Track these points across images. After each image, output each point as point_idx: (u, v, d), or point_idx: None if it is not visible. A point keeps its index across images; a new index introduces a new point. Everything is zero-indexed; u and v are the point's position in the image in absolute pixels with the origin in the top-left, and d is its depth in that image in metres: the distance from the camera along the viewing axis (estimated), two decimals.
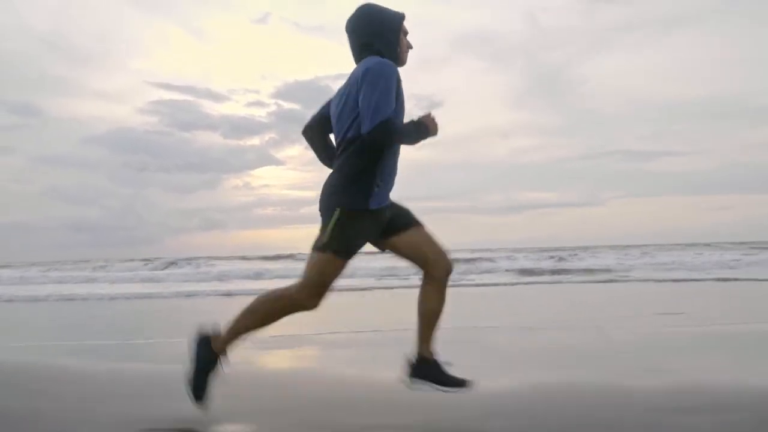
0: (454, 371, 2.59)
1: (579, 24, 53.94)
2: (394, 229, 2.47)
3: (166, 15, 55.56)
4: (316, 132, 2.67)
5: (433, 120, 2.41)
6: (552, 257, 20.92)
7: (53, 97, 51.70)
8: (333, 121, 2.52)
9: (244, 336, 2.49)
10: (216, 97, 59.21)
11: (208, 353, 2.45)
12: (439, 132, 2.45)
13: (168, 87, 59.61)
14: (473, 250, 23.28)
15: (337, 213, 2.35)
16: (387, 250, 2.55)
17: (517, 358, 4.35)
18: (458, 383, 2.52)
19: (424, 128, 2.39)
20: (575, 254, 21.76)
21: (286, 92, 55.53)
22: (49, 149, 53.50)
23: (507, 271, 16.86)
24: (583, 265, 17.87)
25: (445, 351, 2.69)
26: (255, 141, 56.70)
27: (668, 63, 56.14)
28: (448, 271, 2.53)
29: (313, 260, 2.38)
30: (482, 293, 10.99)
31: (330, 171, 2.55)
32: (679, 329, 5.53)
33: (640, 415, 2.66)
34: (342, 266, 2.38)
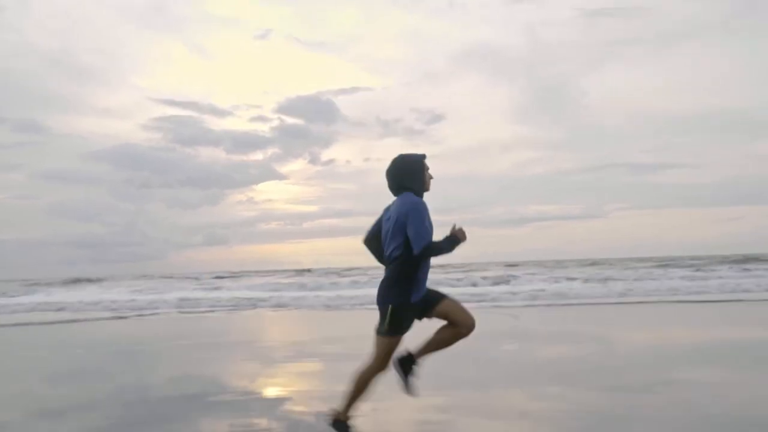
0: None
1: (579, 38, 54.40)
2: (429, 306, 3.34)
3: (169, 33, 56.27)
4: (373, 243, 3.53)
5: (461, 230, 3.25)
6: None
7: (57, 114, 52.36)
8: (383, 239, 3.41)
9: (357, 403, 3.32)
10: (219, 113, 59.78)
11: (343, 427, 3.30)
12: (467, 237, 3.27)
13: (171, 103, 60.30)
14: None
15: (390, 308, 3.22)
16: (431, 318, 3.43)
17: None
18: (409, 387, 3.37)
19: (455, 239, 3.24)
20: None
21: (288, 107, 56.08)
22: (53, 165, 54.10)
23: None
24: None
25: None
26: (258, 156, 57.16)
27: (669, 77, 56.47)
28: (470, 328, 3.36)
29: (381, 342, 3.27)
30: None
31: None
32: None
33: None
34: (398, 341, 3.26)
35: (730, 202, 64.25)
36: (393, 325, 3.22)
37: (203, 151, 55.13)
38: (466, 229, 3.29)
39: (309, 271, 36.34)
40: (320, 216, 70.32)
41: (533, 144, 61.41)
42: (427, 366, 3.26)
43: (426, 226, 3.23)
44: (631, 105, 57.43)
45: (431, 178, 3.45)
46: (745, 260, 25.57)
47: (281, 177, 65.14)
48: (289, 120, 56.46)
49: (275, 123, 54.01)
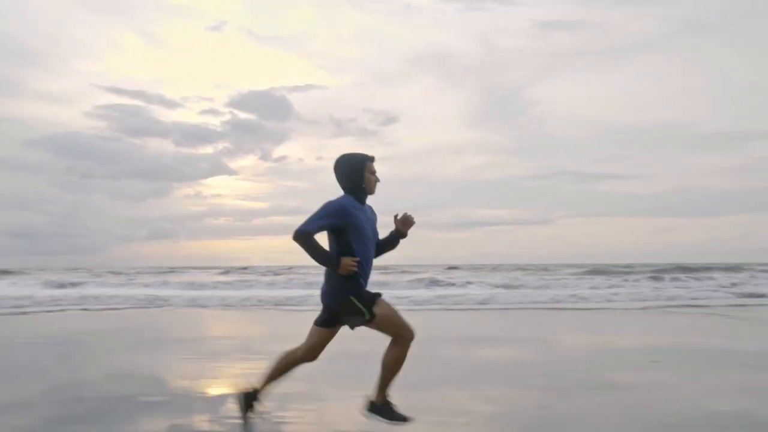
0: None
1: (533, 48, 55.67)
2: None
3: (119, 18, 54.50)
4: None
5: (348, 263, 3.17)
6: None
7: None
8: None
9: (393, 381, 3.27)
10: (168, 104, 58.35)
11: (390, 413, 3.24)
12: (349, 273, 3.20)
13: (118, 91, 58.42)
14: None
15: (353, 300, 3.18)
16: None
17: None
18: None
19: (334, 261, 3.19)
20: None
21: (240, 101, 55.21)
22: None
23: None
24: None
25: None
26: (208, 150, 56.06)
27: (616, 90, 58.53)
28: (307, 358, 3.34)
29: (378, 324, 3.20)
30: None
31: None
32: None
33: None
34: (385, 303, 3.24)
35: (668, 213, 67.07)
36: (365, 304, 3.16)
37: (151, 143, 53.68)
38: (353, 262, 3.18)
39: (245, 268, 35.58)
40: (270, 213, 69.58)
41: (485, 149, 62.57)
42: (372, 367, 3.26)
43: (317, 217, 3.19)
44: (579, 115, 59.33)
45: (377, 180, 3.38)
46: (675, 269, 27.17)
47: (231, 172, 64.14)
48: (242, 115, 55.69)
49: (227, 117, 53.21)
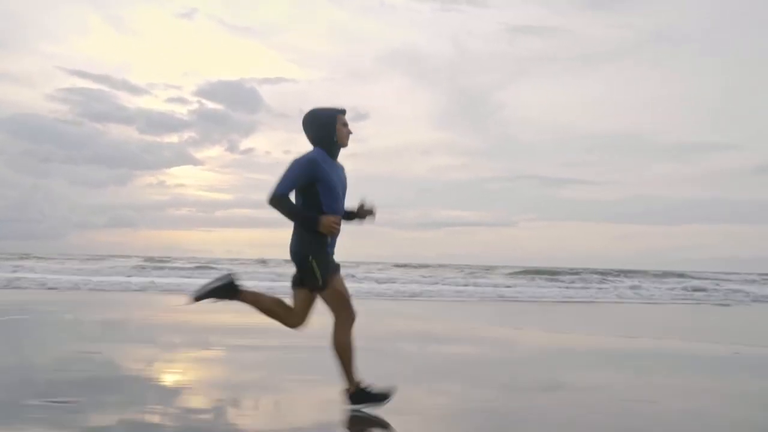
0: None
1: (503, 51, 56.26)
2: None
3: (86, 1, 53.03)
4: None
5: (330, 222, 3.07)
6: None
7: None
8: None
9: (352, 366, 3.21)
10: (134, 90, 57.10)
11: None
12: (334, 233, 3.14)
13: (82, 74, 56.87)
14: None
15: (312, 261, 3.10)
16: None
17: None
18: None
19: (314, 223, 3.08)
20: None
21: (209, 91, 54.35)
22: None
23: None
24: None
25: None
26: (173, 138, 55.04)
27: (586, 97, 59.57)
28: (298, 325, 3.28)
29: (326, 297, 3.15)
30: None
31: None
32: None
33: None
34: (339, 278, 3.23)
35: (626, 220, 68.68)
36: (322, 270, 3.09)
37: (114, 129, 52.42)
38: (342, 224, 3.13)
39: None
40: (234, 205, 68.69)
41: (452, 150, 62.90)
42: (330, 361, 3.24)
43: (289, 179, 3.11)
44: (545, 120, 60.21)
45: (350, 133, 3.30)
46: (623, 273, 28.13)
47: (196, 162, 63.08)
48: (209, 104, 54.82)
49: (194, 106, 52.23)
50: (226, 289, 3.18)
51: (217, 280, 3.23)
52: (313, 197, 3.12)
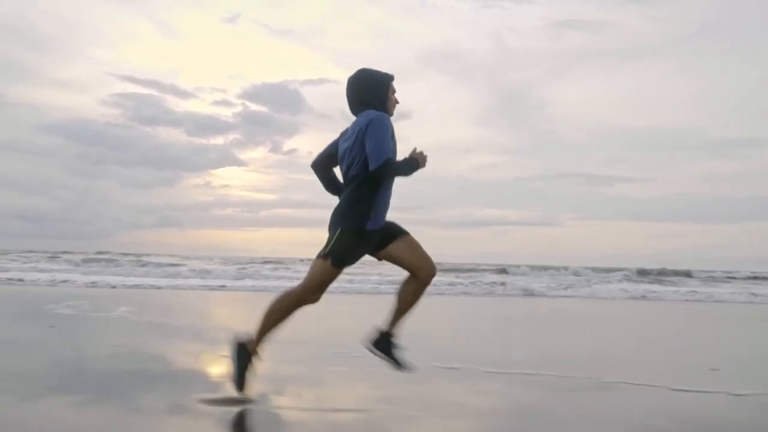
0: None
1: (545, 47, 55.28)
2: (386, 241, 3.07)
3: (135, 8, 54.54)
4: (324, 167, 3.25)
5: (422, 155, 3.05)
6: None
7: (11, 82, 50.06)
8: (340, 159, 3.11)
9: (270, 334, 3.13)
10: (181, 94, 58.45)
11: (245, 355, 3.12)
12: (427, 164, 3.09)
13: (132, 80, 58.49)
14: None
15: (338, 232, 2.96)
16: (383, 260, 3.15)
17: None
18: (401, 364, 3.21)
19: (415, 163, 3.02)
20: None
21: (253, 93, 55.29)
22: (3, 135, 51.72)
23: None
24: None
25: None
26: (219, 140, 56.12)
27: (629, 92, 58.01)
28: (431, 274, 3.11)
29: (316, 265, 3.00)
30: None
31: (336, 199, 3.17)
32: None
33: None
34: (336, 273, 3.00)
35: (674, 218, 66.57)
36: (335, 251, 2.95)
37: (162, 132, 53.77)
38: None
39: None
40: (278, 205, 69.53)
41: (493, 148, 62.18)
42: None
43: (387, 141, 2.95)
44: (589, 117, 58.90)
45: (397, 102, 3.16)
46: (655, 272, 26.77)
47: (241, 163, 64.17)
48: (254, 106, 55.62)
49: (239, 108, 53.08)
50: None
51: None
52: (366, 159, 2.96)
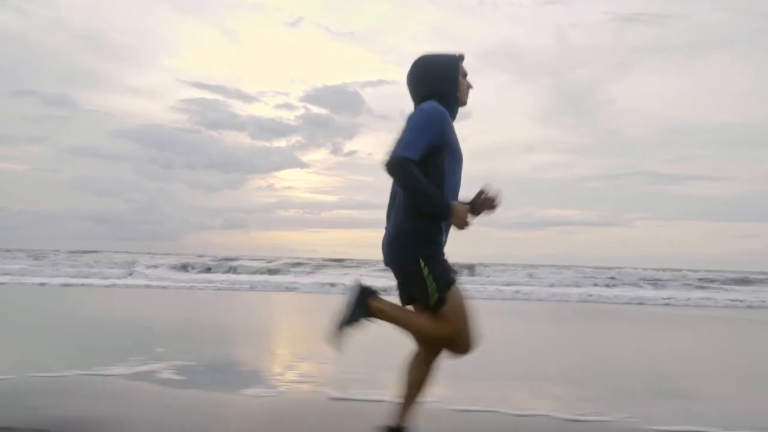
0: None
1: (609, 43, 53.57)
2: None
3: (201, 16, 56.54)
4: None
5: (465, 216, 2.28)
6: None
7: (87, 90, 52.85)
8: None
9: (392, 322, 2.43)
10: (245, 98, 59.96)
11: (363, 308, 2.41)
12: (464, 229, 2.32)
13: (199, 86, 60.50)
14: None
15: (422, 264, 2.27)
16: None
17: None
18: None
19: (446, 209, 2.24)
20: None
21: (314, 96, 56.19)
22: (80, 141, 54.59)
23: None
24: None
25: None
26: (281, 143, 57.34)
27: (697, 87, 55.44)
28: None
29: (447, 315, 2.30)
30: None
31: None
32: None
33: None
34: (459, 289, 2.34)
35: (749, 217, 63.10)
36: (438, 278, 2.26)
37: (227, 136, 55.49)
38: (473, 222, 2.32)
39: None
40: (339, 207, 70.35)
41: (555, 147, 60.69)
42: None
43: (419, 137, 2.22)
44: (655, 113, 56.51)
45: (470, 87, 2.54)
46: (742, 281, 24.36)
47: (303, 165, 65.25)
48: (315, 109, 56.48)
49: (300, 111, 54.07)
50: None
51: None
52: (434, 170, 2.29)
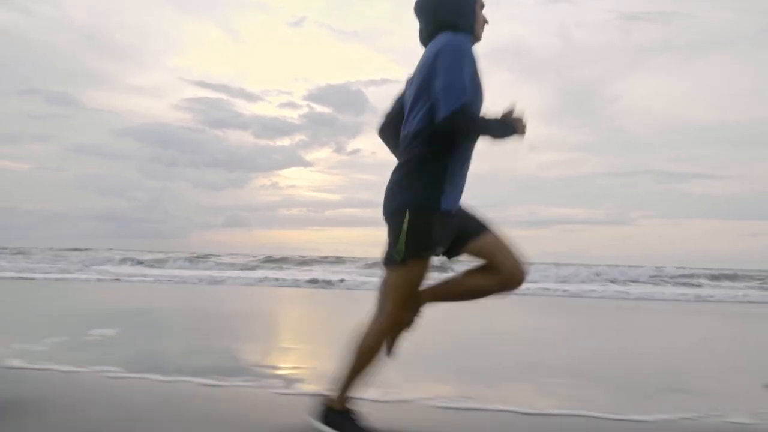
0: None
1: (613, 41, 53.51)
2: (465, 237, 2.22)
3: (205, 15, 56.70)
4: (392, 130, 2.36)
5: (520, 118, 2.10)
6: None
7: (90, 89, 53.22)
8: (405, 113, 2.23)
9: (358, 383, 2.29)
10: (249, 97, 60.18)
11: (336, 419, 2.24)
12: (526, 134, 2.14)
13: (203, 85, 60.72)
14: None
15: (406, 217, 2.06)
16: (454, 260, 2.33)
17: None
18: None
19: (510, 126, 2.08)
20: None
21: (318, 95, 56.31)
22: (84, 139, 55.07)
23: None
24: None
25: None
26: (285, 142, 57.52)
27: (702, 86, 55.35)
28: (515, 280, 2.25)
29: (392, 278, 2.16)
30: None
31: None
32: None
33: None
34: (423, 270, 2.15)
35: (755, 216, 62.98)
36: (414, 245, 2.05)
37: (231, 134, 55.75)
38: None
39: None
40: (342, 205, 70.53)
41: (560, 146, 60.69)
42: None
43: (465, 76, 2.03)
44: (660, 112, 56.50)
45: (486, 22, 2.31)
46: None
47: (306, 164, 65.48)
48: (318, 108, 56.67)
49: (304, 110, 54.30)
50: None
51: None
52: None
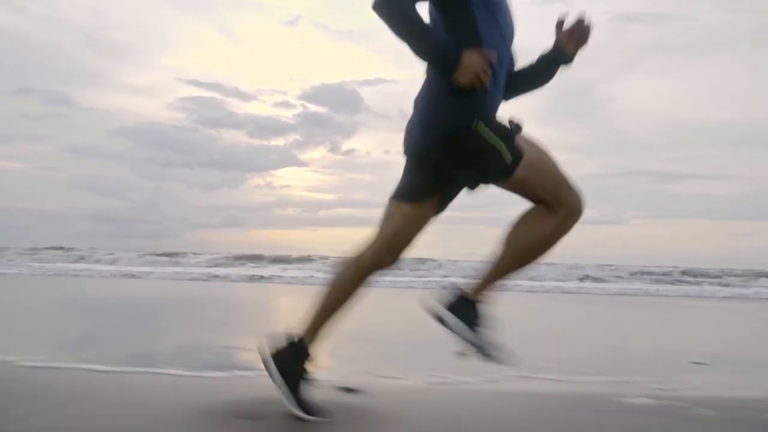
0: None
1: (609, 42, 53.65)
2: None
3: (200, 14, 56.69)
4: None
5: (476, 64, 1.71)
6: None
7: (86, 89, 53.16)
8: None
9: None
10: (243, 96, 60.07)
11: (465, 309, 1.99)
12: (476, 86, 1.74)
13: (197, 84, 60.58)
14: None
15: (479, 124, 1.74)
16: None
17: None
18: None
19: (452, 56, 1.72)
20: None
21: (312, 95, 56.32)
22: (79, 139, 54.96)
23: None
24: None
25: None
26: (279, 141, 57.47)
27: (698, 87, 55.65)
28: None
29: (522, 179, 1.85)
30: None
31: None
32: None
33: None
34: (538, 147, 1.89)
35: (750, 216, 63.26)
36: (505, 139, 1.76)
37: (225, 134, 55.74)
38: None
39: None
40: (337, 205, 70.56)
41: (555, 146, 60.25)
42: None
43: None
44: (656, 113, 56.73)
45: None
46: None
47: (301, 164, 65.46)
48: (313, 107, 56.67)
49: (299, 110, 54.26)
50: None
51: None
52: (463, 21, 1.79)
